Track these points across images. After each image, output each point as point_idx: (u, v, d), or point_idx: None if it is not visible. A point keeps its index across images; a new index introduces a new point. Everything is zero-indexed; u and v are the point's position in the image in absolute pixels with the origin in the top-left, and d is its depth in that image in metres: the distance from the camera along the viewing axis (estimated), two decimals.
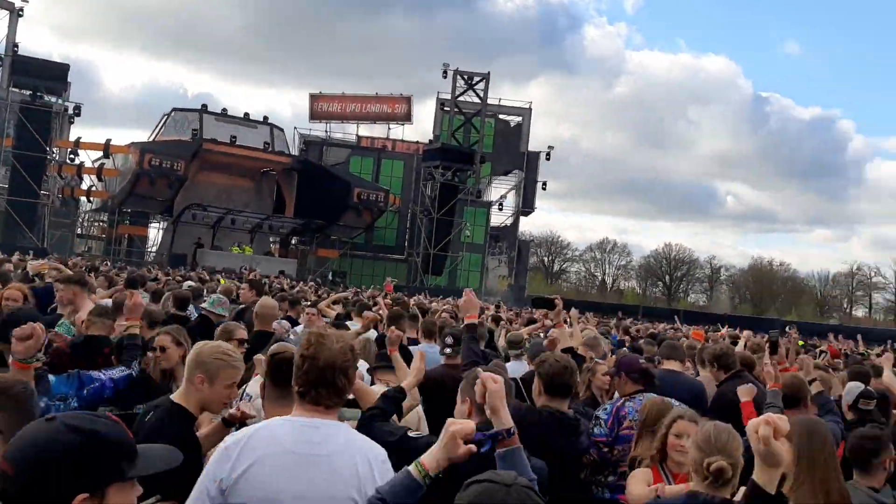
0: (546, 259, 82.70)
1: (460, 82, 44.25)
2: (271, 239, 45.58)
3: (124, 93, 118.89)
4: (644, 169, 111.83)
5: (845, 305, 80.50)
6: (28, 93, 36.38)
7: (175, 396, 3.33)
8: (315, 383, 2.49)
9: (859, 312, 79.56)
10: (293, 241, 46.02)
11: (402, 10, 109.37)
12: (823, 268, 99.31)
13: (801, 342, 17.88)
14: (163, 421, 3.10)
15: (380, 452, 2.58)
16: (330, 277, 38.39)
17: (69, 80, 38.16)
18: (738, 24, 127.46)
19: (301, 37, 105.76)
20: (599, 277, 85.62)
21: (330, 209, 40.77)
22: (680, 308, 59.58)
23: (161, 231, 44.97)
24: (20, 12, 40.96)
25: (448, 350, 5.67)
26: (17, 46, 39.52)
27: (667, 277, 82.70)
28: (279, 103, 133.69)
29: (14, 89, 37.51)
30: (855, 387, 5.79)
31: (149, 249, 44.11)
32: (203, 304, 8.27)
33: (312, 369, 2.48)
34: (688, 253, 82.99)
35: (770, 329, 28.76)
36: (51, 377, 3.84)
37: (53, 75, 36.91)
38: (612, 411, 4.68)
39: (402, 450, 2.94)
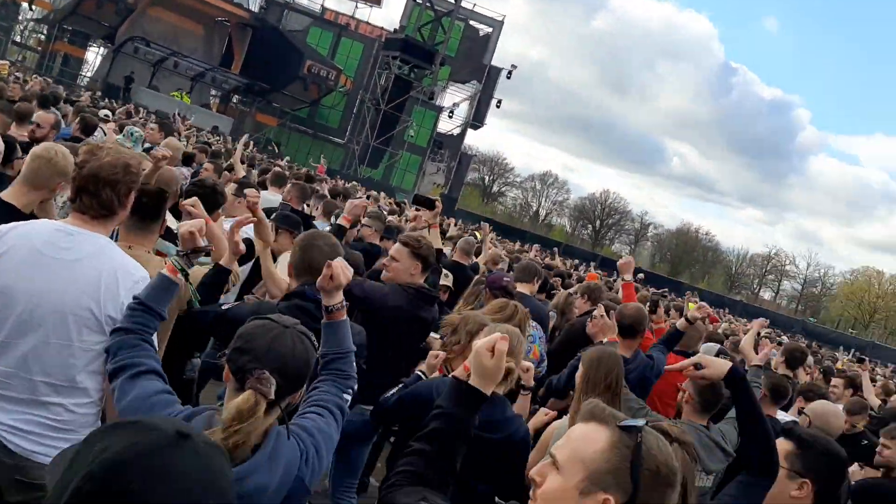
0: (487, 178, 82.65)
1: None
2: (212, 92, 43.86)
3: None
4: (602, 110, 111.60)
5: (755, 286, 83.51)
6: None
7: (6, 194, 3.37)
8: (80, 191, 2.55)
9: (766, 295, 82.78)
10: (234, 100, 44.56)
11: None
12: (744, 245, 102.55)
13: (691, 305, 18.42)
14: None
15: (135, 272, 2.59)
16: (270, 147, 37.43)
17: None
18: None
19: None
20: (534, 208, 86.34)
21: (278, 75, 39.45)
22: (600, 254, 60.71)
23: (100, 57, 42.94)
24: None
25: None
26: None
27: (597, 222, 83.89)
28: None
29: None
30: (711, 347, 6.17)
31: (84, 74, 42.15)
32: (118, 137, 7.99)
33: (78, 177, 2.56)
34: (623, 203, 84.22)
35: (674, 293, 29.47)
36: None
37: None
38: None
39: (222, 322, 3.16)
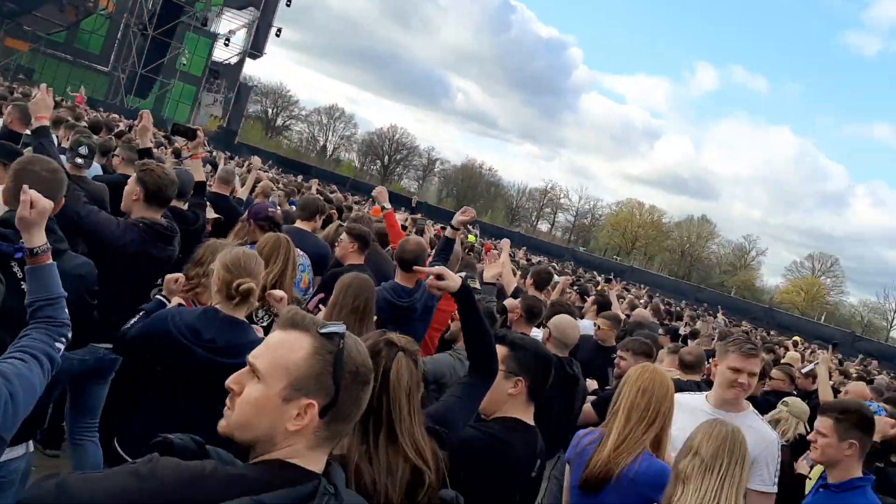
0: (270, 111, 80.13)
1: None
2: None
3: None
4: (386, 42, 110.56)
5: (533, 218, 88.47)
6: None
7: None
8: None
9: (543, 227, 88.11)
10: None
11: None
12: (523, 180, 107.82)
13: (472, 238, 19.09)
14: None
15: None
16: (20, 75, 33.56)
17: None
18: None
19: None
20: (321, 143, 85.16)
21: None
22: (389, 189, 61.17)
23: None
24: None
25: (79, 160, 5.56)
26: None
27: (386, 158, 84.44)
28: None
29: None
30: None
31: None
32: None
33: None
34: (410, 139, 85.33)
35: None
36: None
37: None
38: None
39: None
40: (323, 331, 1.54)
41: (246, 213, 5.85)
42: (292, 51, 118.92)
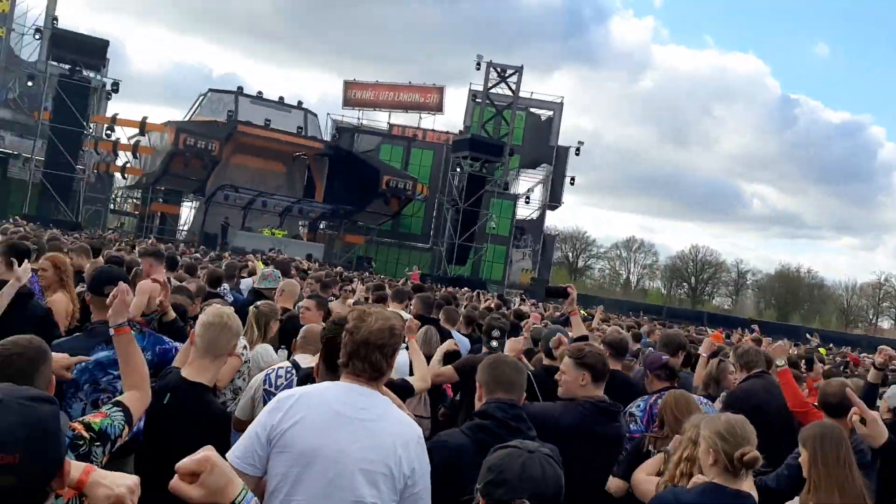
0: (571, 255, 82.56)
1: (493, 74, 44.20)
2: (300, 223, 46.03)
3: (151, 69, 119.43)
4: (668, 166, 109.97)
5: (871, 317, 79.52)
6: (67, 67, 36.10)
7: (189, 373, 3.50)
8: (352, 356, 2.66)
9: (885, 324, 78.52)
10: (321, 226, 46.48)
11: None
12: (850, 276, 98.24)
13: (822, 349, 17.97)
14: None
15: (415, 432, 2.71)
16: (367, 264, 38.74)
17: (108, 56, 38.64)
18: (766, 23, 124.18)
19: (324, 18, 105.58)
20: (624, 276, 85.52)
21: (359, 195, 41.03)
22: (704, 311, 59.28)
23: (193, 210, 45.52)
24: None
25: (494, 343, 5.66)
26: (56, 20, 39.97)
27: (692, 279, 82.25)
28: (299, 84, 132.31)
29: (53, 63, 37.15)
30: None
31: (180, 228, 44.61)
32: (255, 284, 8.48)
33: (350, 343, 2.65)
34: (714, 255, 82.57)
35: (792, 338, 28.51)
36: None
37: (92, 50, 36.57)
38: (646, 408, 4.70)
39: None
40: None
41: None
42: (581, 194, 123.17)
